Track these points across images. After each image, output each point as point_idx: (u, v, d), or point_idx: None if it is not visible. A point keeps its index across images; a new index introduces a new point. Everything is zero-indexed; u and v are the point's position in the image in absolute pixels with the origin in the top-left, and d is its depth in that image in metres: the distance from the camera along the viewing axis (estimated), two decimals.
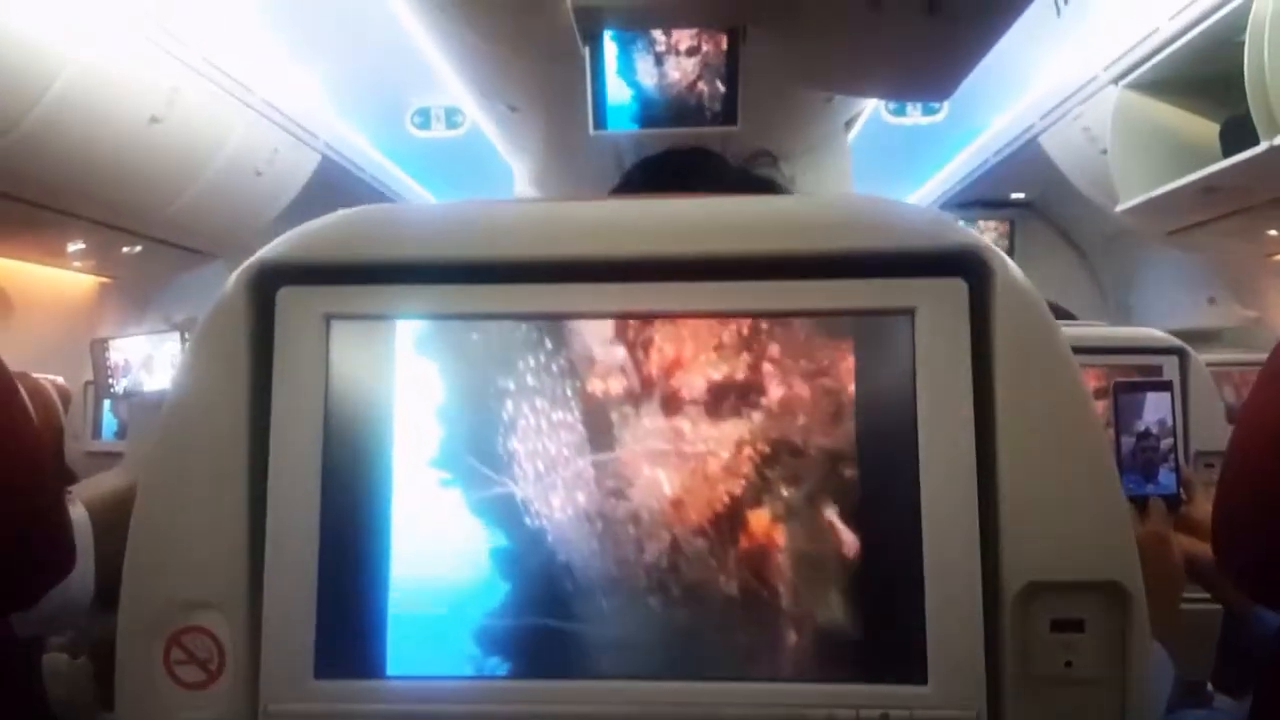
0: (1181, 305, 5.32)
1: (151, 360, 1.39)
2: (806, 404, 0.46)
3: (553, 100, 3.69)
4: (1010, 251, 6.98)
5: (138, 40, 3.48)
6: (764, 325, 0.46)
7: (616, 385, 0.46)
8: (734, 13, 2.69)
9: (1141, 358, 1.46)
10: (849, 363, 0.47)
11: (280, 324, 0.47)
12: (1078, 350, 1.43)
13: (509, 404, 0.47)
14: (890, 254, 0.48)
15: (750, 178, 0.90)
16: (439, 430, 0.47)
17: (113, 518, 0.91)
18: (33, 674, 1.60)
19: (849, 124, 5.06)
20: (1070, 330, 1.51)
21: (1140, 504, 1.12)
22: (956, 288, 0.48)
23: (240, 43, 4.24)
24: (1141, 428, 1.15)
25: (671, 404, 0.46)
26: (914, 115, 5.51)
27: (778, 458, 0.46)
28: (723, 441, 0.46)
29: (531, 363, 0.47)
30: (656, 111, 2.89)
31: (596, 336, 0.46)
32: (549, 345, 0.47)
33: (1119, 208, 4.12)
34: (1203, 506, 1.17)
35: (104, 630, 0.90)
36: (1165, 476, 1.14)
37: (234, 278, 0.49)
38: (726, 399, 0.46)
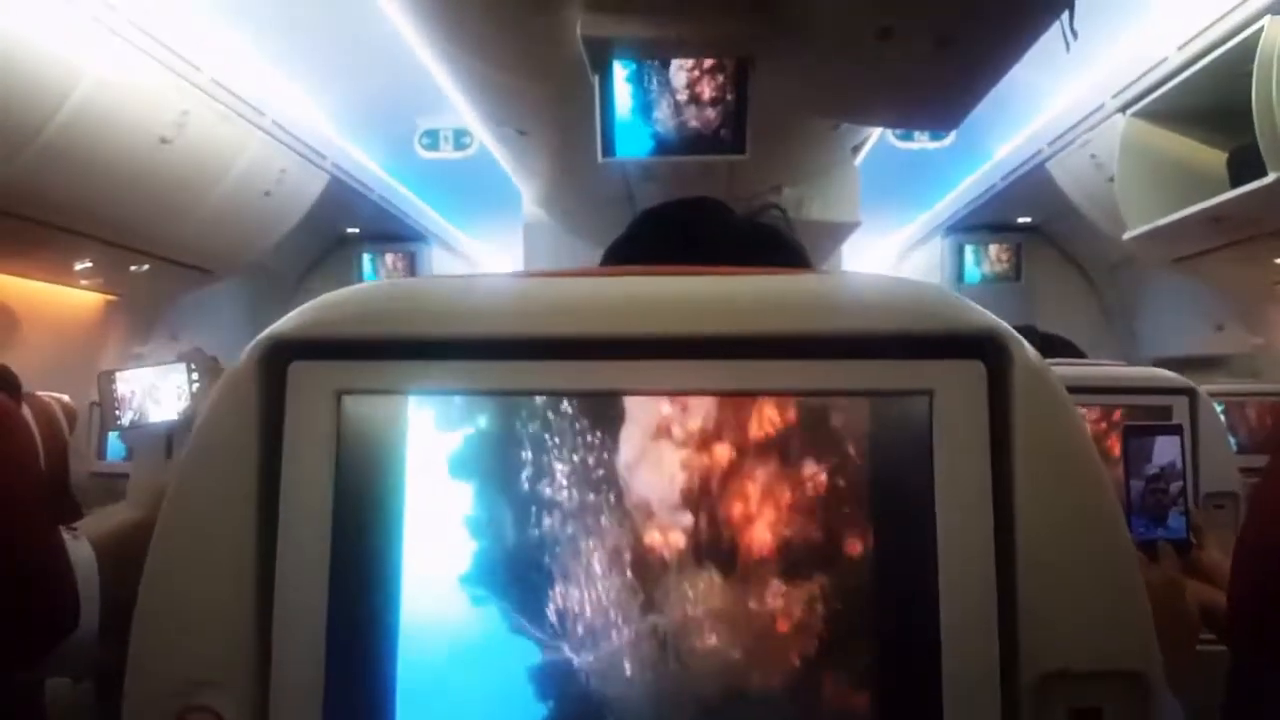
0: (1189, 331, 5.31)
1: (158, 391, 1.39)
2: (820, 487, 0.45)
3: (562, 126, 3.70)
4: (1017, 275, 6.99)
5: (148, 63, 3.50)
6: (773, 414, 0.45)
7: (654, 491, 0.46)
8: (743, 43, 2.70)
9: (1151, 398, 1.45)
10: (862, 443, 0.46)
11: (291, 400, 0.47)
12: (1087, 390, 1.42)
13: (529, 493, 0.47)
14: (907, 335, 0.47)
15: (757, 230, 0.89)
16: (454, 517, 0.47)
17: (120, 552, 0.91)
18: (34, 707, 1.59)
19: (856, 149, 5.08)
20: (1079, 370, 1.50)
21: (1150, 548, 1.12)
22: (974, 370, 0.47)
23: (251, 65, 4.27)
24: (1151, 471, 1.14)
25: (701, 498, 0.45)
26: (921, 140, 5.53)
27: (790, 544, 0.46)
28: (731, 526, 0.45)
29: (556, 453, 0.47)
30: (665, 139, 2.90)
31: (632, 429, 0.46)
32: (576, 438, 0.47)
33: (1125, 235, 4.11)
34: (1212, 552, 1.16)
35: (107, 656, 0.90)
36: (1175, 520, 1.13)
37: (246, 352, 0.48)
38: (739, 487, 0.46)
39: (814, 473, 0.47)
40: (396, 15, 3.02)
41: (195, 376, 1.35)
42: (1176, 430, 1.14)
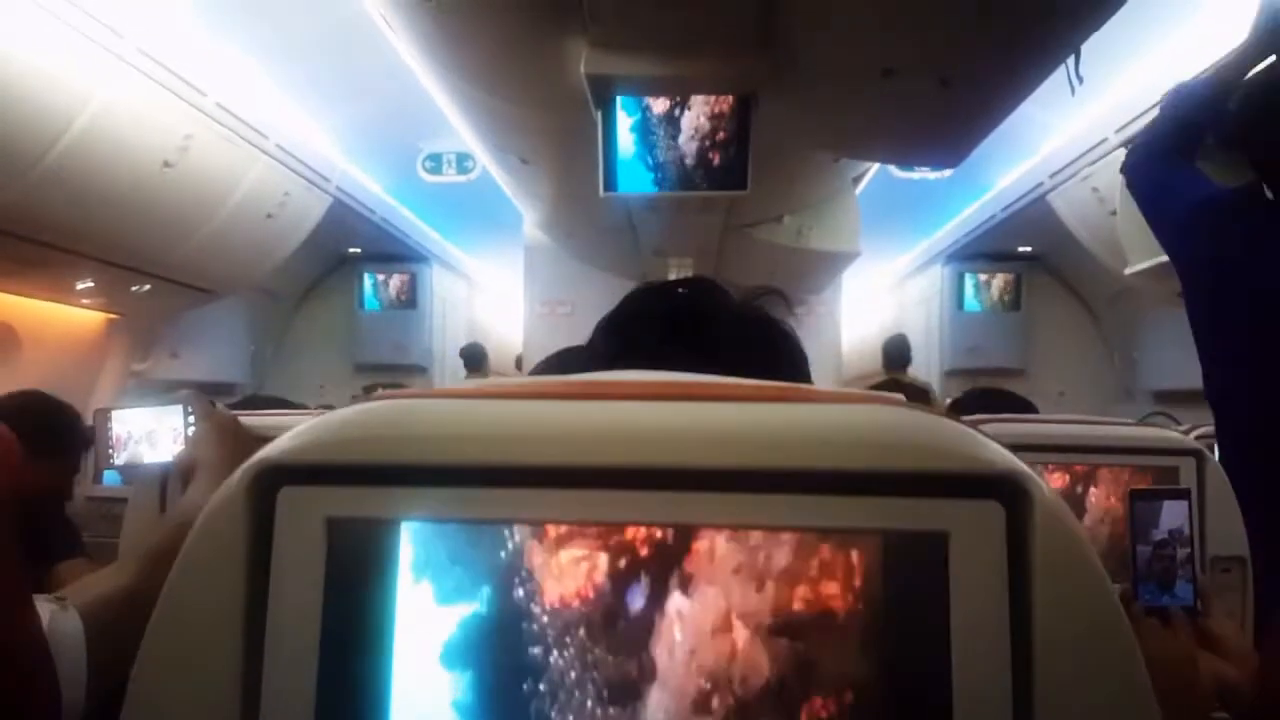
0: (1190, 363, 5.29)
1: (154, 434, 1.39)
2: (827, 630, 0.45)
3: (564, 156, 3.71)
4: (1016, 304, 6.99)
5: (153, 88, 3.51)
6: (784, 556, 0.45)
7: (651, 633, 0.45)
8: (745, 81, 2.70)
9: (1157, 459, 1.44)
10: (872, 585, 0.45)
11: (279, 526, 0.46)
12: (1092, 449, 1.40)
13: (524, 627, 0.46)
14: (922, 473, 0.45)
15: (753, 320, 0.88)
16: (445, 648, 0.46)
17: (111, 620, 0.88)
18: None
19: (857, 180, 5.09)
20: (1085, 429, 1.48)
21: (1158, 614, 1.10)
22: (992, 512, 0.45)
23: (256, 89, 4.28)
24: (1158, 536, 1.13)
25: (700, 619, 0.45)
26: (922, 170, 5.53)
27: (794, 688, 0.45)
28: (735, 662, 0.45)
29: (552, 585, 0.46)
30: (667, 176, 2.90)
31: (632, 562, 0.46)
32: (574, 570, 0.46)
33: (1127, 270, 4.11)
34: (1220, 621, 1.15)
35: None
36: (1182, 588, 1.12)
37: (236, 476, 0.48)
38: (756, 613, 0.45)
39: (820, 614, 0.46)
40: (401, 43, 3.03)
41: (191, 420, 1.35)
42: (1185, 495, 1.13)
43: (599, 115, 2.79)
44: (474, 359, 6.36)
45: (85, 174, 3.50)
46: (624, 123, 2.82)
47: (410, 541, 0.47)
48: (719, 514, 0.45)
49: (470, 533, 0.47)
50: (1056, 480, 1.42)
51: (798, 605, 0.45)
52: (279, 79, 4.33)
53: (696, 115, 2.83)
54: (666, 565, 0.46)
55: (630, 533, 0.46)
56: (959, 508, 0.45)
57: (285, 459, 0.49)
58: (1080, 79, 2.32)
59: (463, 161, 5.63)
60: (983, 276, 7.09)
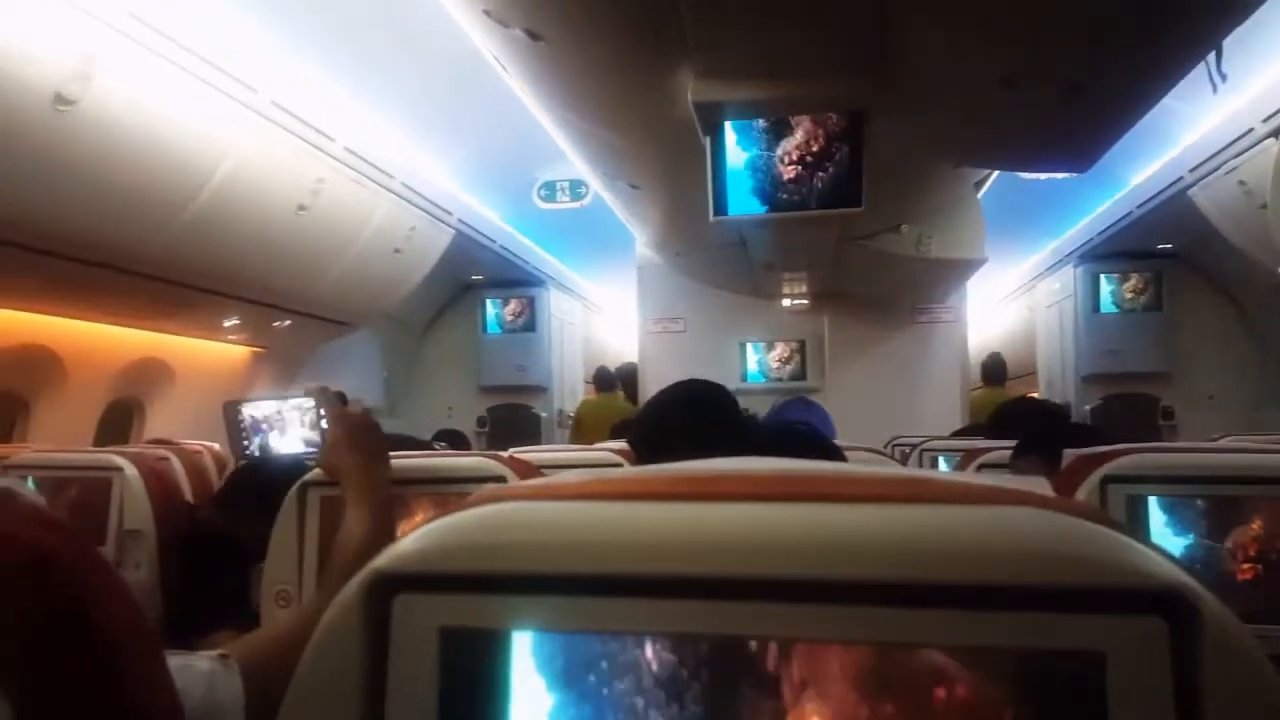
0: None
1: (283, 421, 1.43)
2: None
3: (673, 181, 3.73)
4: (1157, 304, 6.65)
5: (286, 137, 3.70)
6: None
7: None
8: (857, 98, 2.66)
9: None
10: (1020, 711, 0.42)
11: (394, 635, 0.47)
12: (1252, 481, 1.27)
13: None
14: (1073, 588, 0.41)
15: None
16: None
17: (276, 674, 0.88)
18: None
19: (979, 184, 4.94)
20: (1245, 460, 1.35)
21: None
22: (1156, 630, 0.41)
23: (380, 132, 4.46)
24: None
25: None
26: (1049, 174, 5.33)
27: None
28: None
29: (670, 700, 0.46)
30: (777, 196, 2.88)
31: (759, 682, 0.45)
32: (695, 687, 0.46)
33: None
34: None
35: None
36: None
37: (353, 584, 0.49)
38: None
39: None
40: (513, 80, 3.11)
41: (322, 412, 1.36)
42: None
43: (707, 141, 2.79)
44: (604, 382, 6.45)
45: (226, 220, 3.70)
46: (732, 147, 2.82)
47: (521, 651, 0.47)
48: (843, 630, 0.43)
49: (581, 643, 0.46)
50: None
51: None
52: (400, 121, 4.50)
53: (806, 134, 2.80)
54: (790, 684, 0.45)
55: (751, 647, 0.44)
56: (1117, 625, 0.41)
57: (399, 567, 0.49)
58: (1223, 76, 2.20)
59: (576, 188, 5.73)
60: (1119, 277, 6.76)
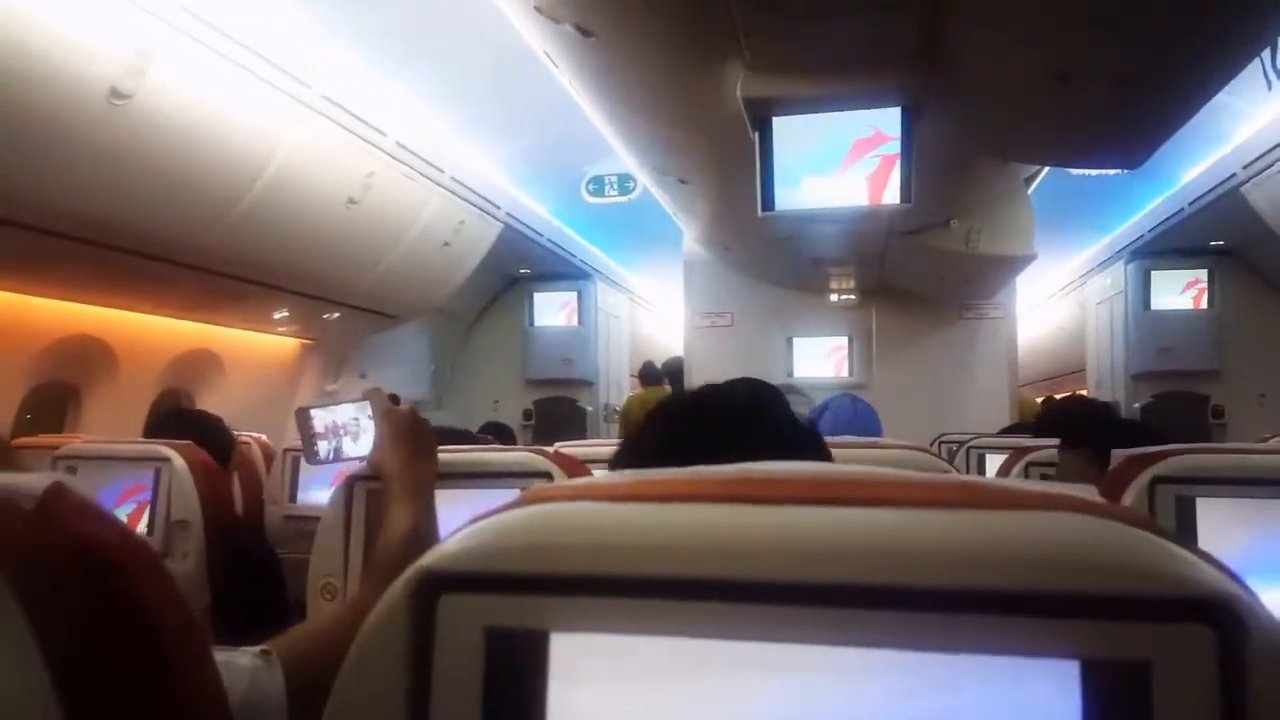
0: None
1: (354, 425, 1.45)
2: None
3: (722, 176, 3.73)
4: (1209, 301, 6.52)
5: (337, 131, 3.76)
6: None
7: None
8: (906, 93, 2.65)
9: None
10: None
11: (440, 635, 0.47)
12: None
13: None
14: (1119, 596, 0.41)
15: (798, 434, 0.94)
16: None
17: (317, 674, 0.81)
18: None
19: (1029, 180, 4.88)
20: None
21: None
22: (1202, 639, 0.40)
23: (430, 126, 4.51)
24: None
25: None
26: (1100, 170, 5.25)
27: None
28: None
29: (713, 703, 0.46)
30: (825, 193, 2.87)
31: (805, 685, 0.44)
32: (735, 690, 0.46)
33: None
34: None
35: None
36: None
37: (398, 584, 0.50)
38: None
39: None
40: (564, 76, 3.13)
41: (370, 414, 1.37)
42: None
43: (756, 136, 2.79)
44: (651, 377, 6.47)
45: (278, 214, 3.77)
46: (781, 142, 2.81)
47: (566, 652, 0.47)
48: (889, 636, 0.43)
49: (627, 645, 0.46)
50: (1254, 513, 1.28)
51: None
52: (450, 116, 4.55)
53: (856, 130, 2.80)
54: (834, 688, 0.44)
55: (796, 651, 0.44)
56: (1163, 633, 0.41)
57: (444, 566, 0.49)
58: (1279, 73, 2.16)
59: (624, 182, 5.74)
60: (1171, 273, 6.64)
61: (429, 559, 0.49)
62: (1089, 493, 0.51)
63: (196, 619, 0.62)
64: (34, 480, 0.57)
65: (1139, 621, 0.41)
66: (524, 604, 0.47)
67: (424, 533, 1.16)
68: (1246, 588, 0.43)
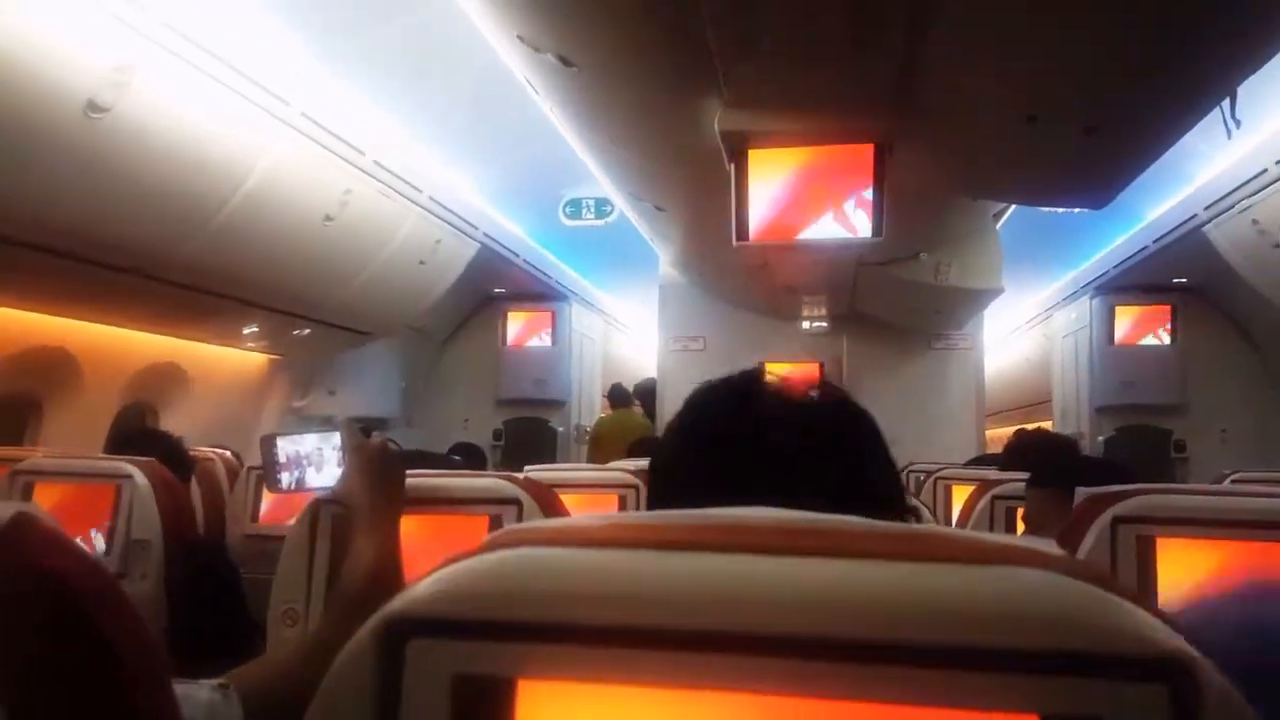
0: None
1: (318, 455, 1.45)
2: None
3: (697, 204, 3.77)
4: (1172, 337, 6.64)
5: (315, 149, 3.76)
6: None
7: None
8: (880, 131, 2.70)
9: None
10: None
11: (407, 680, 0.47)
12: (1265, 526, 1.27)
13: None
14: (1076, 653, 0.43)
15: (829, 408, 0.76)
16: None
17: (274, 708, 0.86)
18: None
19: (998, 215, 4.97)
20: (1256, 504, 1.35)
21: None
22: (1156, 697, 0.41)
23: (409, 146, 4.52)
24: None
25: None
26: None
27: None
28: None
29: None
30: (798, 225, 2.91)
31: None
32: None
33: None
34: None
35: None
36: None
37: (367, 626, 0.51)
38: None
39: None
40: (545, 104, 3.16)
41: (335, 445, 1.38)
42: None
43: (732, 168, 2.83)
44: (620, 398, 6.48)
45: (253, 229, 3.75)
46: (757, 175, 2.86)
47: (535, 701, 0.47)
48: (848, 688, 0.44)
49: (595, 694, 0.46)
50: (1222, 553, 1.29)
51: None
52: (430, 136, 4.56)
53: (830, 164, 2.84)
54: None
55: (761, 702, 0.45)
56: (1119, 690, 0.42)
57: (414, 610, 0.48)
58: (1237, 122, 2.23)
59: (601, 206, 5.78)
60: (1135, 309, 6.76)
61: (398, 603, 0.49)
62: (1049, 545, 0.52)
63: (158, 653, 0.62)
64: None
65: (1096, 678, 0.42)
66: (492, 650, 0.47)
67: (388, 568, 1.16)
68: (1202, 637, 0.44)
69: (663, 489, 0.77)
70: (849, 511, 0.52)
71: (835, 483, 0.69)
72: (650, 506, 0.80)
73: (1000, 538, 0.53)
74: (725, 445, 0.72)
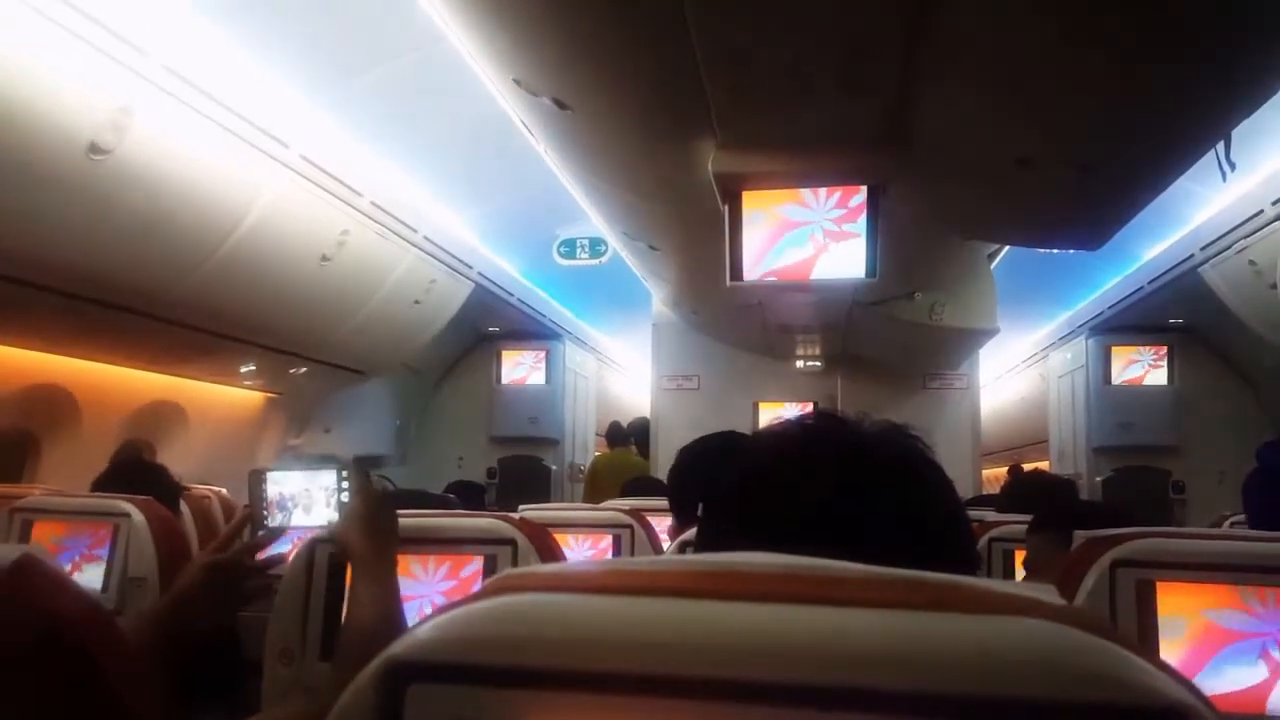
0: None
1: (308, 495, 1.43)
2: None
3: (691, 244, 3.79)
4: (1169, 378, 6.65)
5: (314, 190, 3.78)
6: None
7: None
8: (874, 173, 2.72)
9: None
10: None
11: None
12: (1266, 570, 1.26)
13: None
14: (1076, 704, 0.43)
15: (894, 458, 0.78)
16: None
17: None
18: None
19: (992, 255, 4.99)
20: (1255, 547, 1.34)
21: None
22: None
23: (406, 188, 4.55)
24: None
25: None
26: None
27: None
28: None
29: None
30: (793, 266, 2.92)
31: None
32: None
33: None
34: None
35: None
36: None
37: (367, 671, 0.50)
38: None
39: None
40: (541, 145, 3.19)
41: (345, 485, 1.37)
42: None
43: (725, 208, 2.85)
44: (618, 437, 6.46)
45: (250, 269, 3.77)
46: (750, 216, 2.87)
47: None
48: None
49: None
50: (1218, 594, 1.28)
51: None
52: (426, 177, 4.59)
53: (824, 205, 2.86)
54: None
55: None
56: None
57: (414, 655, 0.49)
58: (1232, 165, 2.24)
59: (595, 245, 5.80)
60: (1132, 349, 6.77)
61: (399, 647, 0.49)
62: (1050, 592, 0.52)
63: (158, 697, 0.62)
64: (3, 550, 0.56)
65: None
66: (493, 695, 0.47)
67: (388, 613, 1.15)
68: (1204, 699, 0.44)
69: (720, 528, 0.74)
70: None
71: (894, 539, 0.66)
72: (701, 548, 0.78)
73: (1001, 584, 0.53)
74: (793, 499, 0.69)
